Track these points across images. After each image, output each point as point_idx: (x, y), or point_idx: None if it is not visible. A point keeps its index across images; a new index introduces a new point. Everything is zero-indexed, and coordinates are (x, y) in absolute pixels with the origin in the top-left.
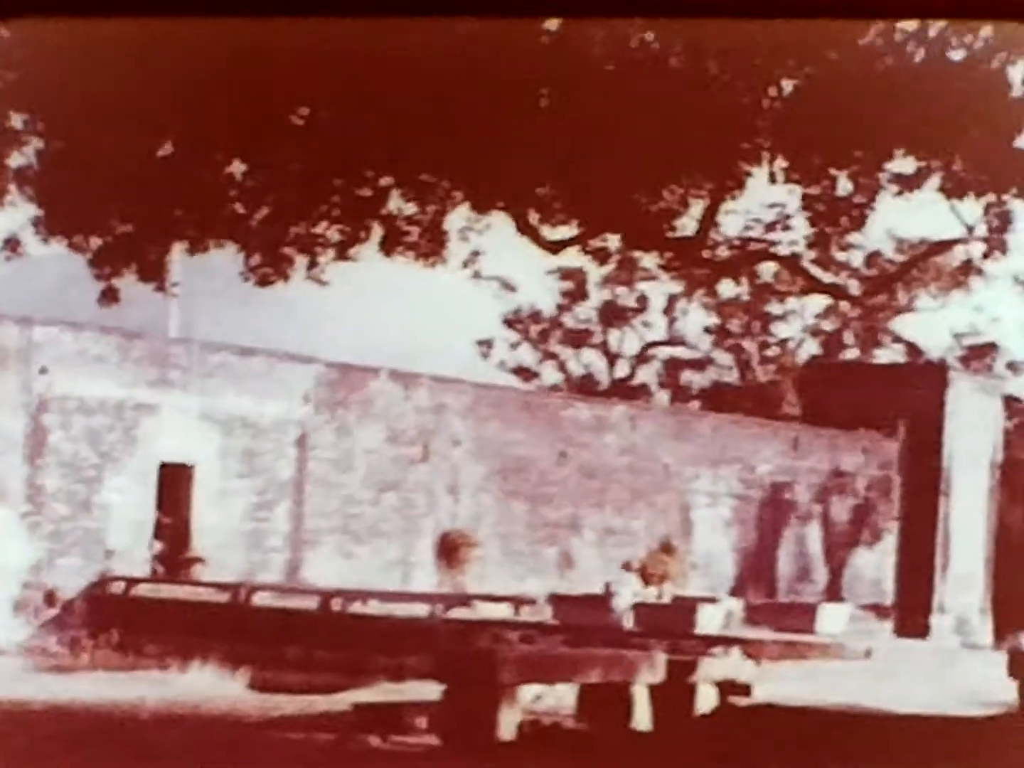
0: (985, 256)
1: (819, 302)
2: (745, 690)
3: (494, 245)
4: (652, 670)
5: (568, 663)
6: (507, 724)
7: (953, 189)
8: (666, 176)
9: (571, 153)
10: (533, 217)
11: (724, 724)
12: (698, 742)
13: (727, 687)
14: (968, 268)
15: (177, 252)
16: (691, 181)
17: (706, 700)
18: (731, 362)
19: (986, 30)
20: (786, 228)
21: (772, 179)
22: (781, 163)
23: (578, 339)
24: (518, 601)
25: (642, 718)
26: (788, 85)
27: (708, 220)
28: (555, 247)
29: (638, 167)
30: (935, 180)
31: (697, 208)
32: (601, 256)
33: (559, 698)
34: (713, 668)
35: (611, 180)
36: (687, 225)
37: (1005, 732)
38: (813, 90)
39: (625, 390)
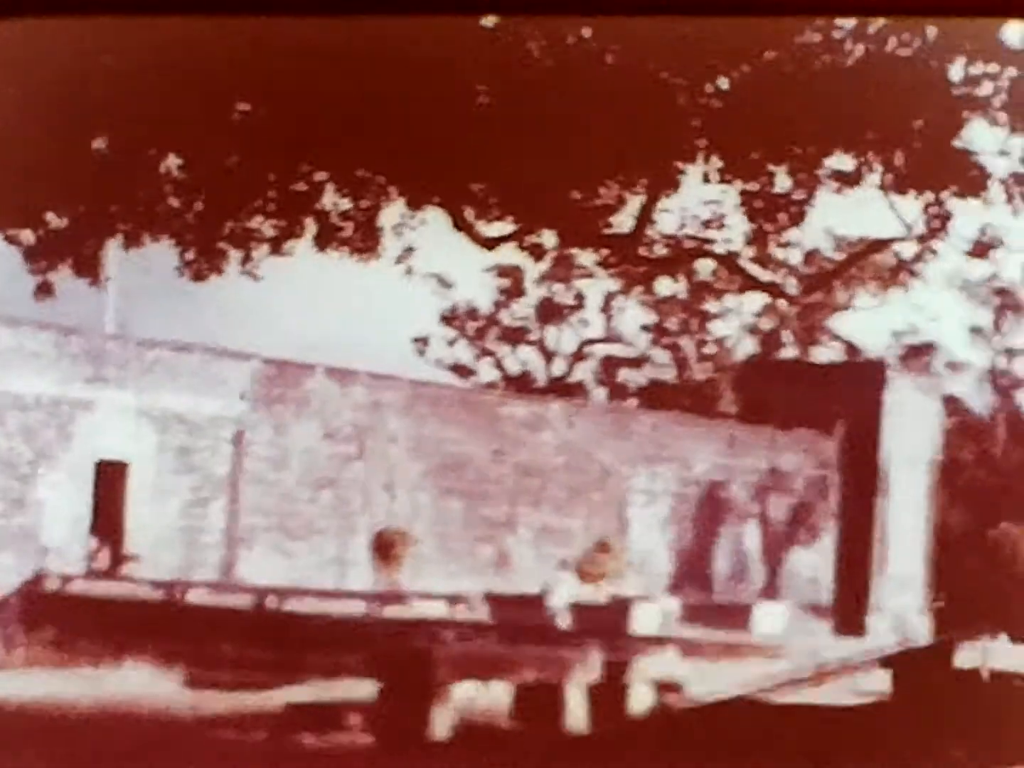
0: (924, 254)
1: (757, 300)
2: (680, 689)
3: (429, 241)
4: (587, 669)
5: (503, 662)
6: (441, 723)
7: (892, 187)
8: (602, 173)
9: (507, 150)
10: (469, 213)
11: (659, 724)
12: (632, 742)
13: (662, 687)
14: (907, 266)
15: (112, 247)
16: (627, 178)
17: (641, 700)
18: (668, 360)
19: (928, 29)
20: (722, 226)
21: (706, 179)
22: (717, 162)
23: (515, 336)
24: (454, 600)
25: (576, 718)
26: (724, 83)
27: (644, 217)
28: (491, 243)
29: (574, 164)
30: (874, 177)
31: (634, 205)
32: (537, 253)
33: (494, 698)
34: (648, 668)
35: (547, 177)
36: (624, 222)
37: (878, 719)
38: (750, 88)
39: (562, 388)
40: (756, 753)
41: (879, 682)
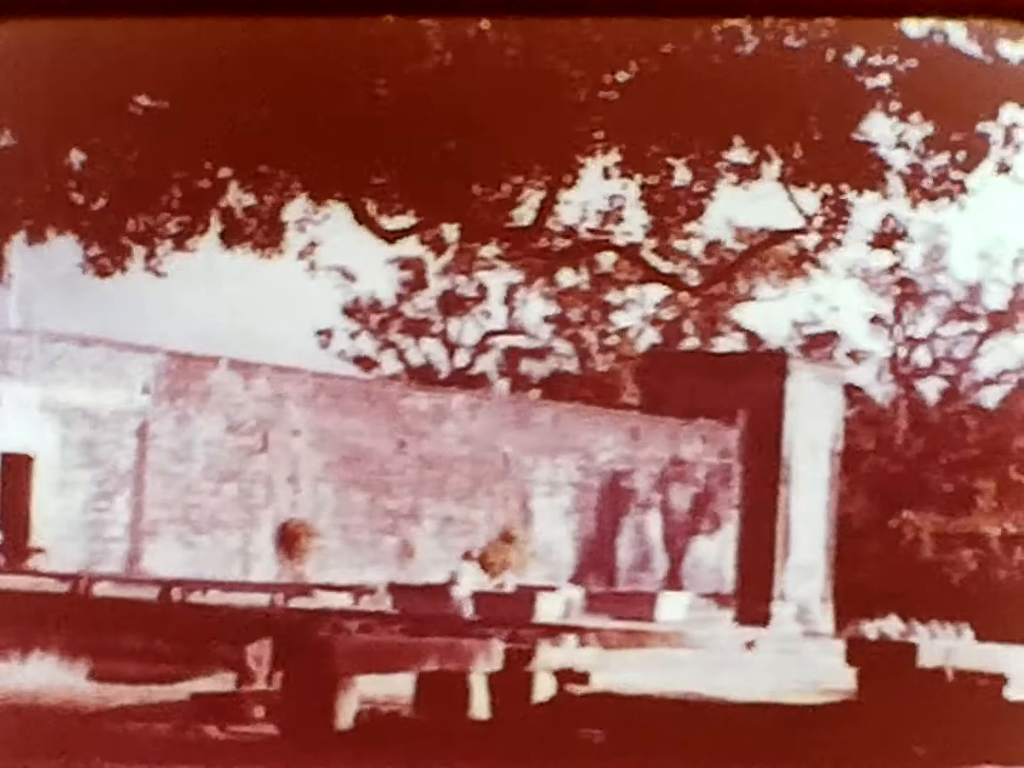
0: (823, 246)
1: (659, 291)
2: (583, 678)
3: (332, 235)
4: (490, 659)
5: (406, 652)
6: (345, 713)
7: (792, 179)
8: (503, 167)
9: (408, 143)
10: (371, 207)
11: (561, 712)
12: (535, 730)
13: (565, 675)
14: (807, 258)
15: (16, 242)
16: (528, 172)
17: (544, 689)
18: (571, 351)
19: (826, 20)
20: (620, 220)
21: (606, 172)
22: (616, 156)
23: (418, 328)
24: (358, 591)
25: (480, 707)
26: (623, 76)
27: (545, 210)
28: (393, 237)
29: (475, 158)
30: (774, 170)
31: (535, 198)
32: (438, 246)
33: (397, 687)
34: (551, 657)
35: (448, 170)
36: (525, 215)
37: (841, 719)
38: (649, 81)
39: (465, 379)
40: (714, 751)
41: (844, 681)
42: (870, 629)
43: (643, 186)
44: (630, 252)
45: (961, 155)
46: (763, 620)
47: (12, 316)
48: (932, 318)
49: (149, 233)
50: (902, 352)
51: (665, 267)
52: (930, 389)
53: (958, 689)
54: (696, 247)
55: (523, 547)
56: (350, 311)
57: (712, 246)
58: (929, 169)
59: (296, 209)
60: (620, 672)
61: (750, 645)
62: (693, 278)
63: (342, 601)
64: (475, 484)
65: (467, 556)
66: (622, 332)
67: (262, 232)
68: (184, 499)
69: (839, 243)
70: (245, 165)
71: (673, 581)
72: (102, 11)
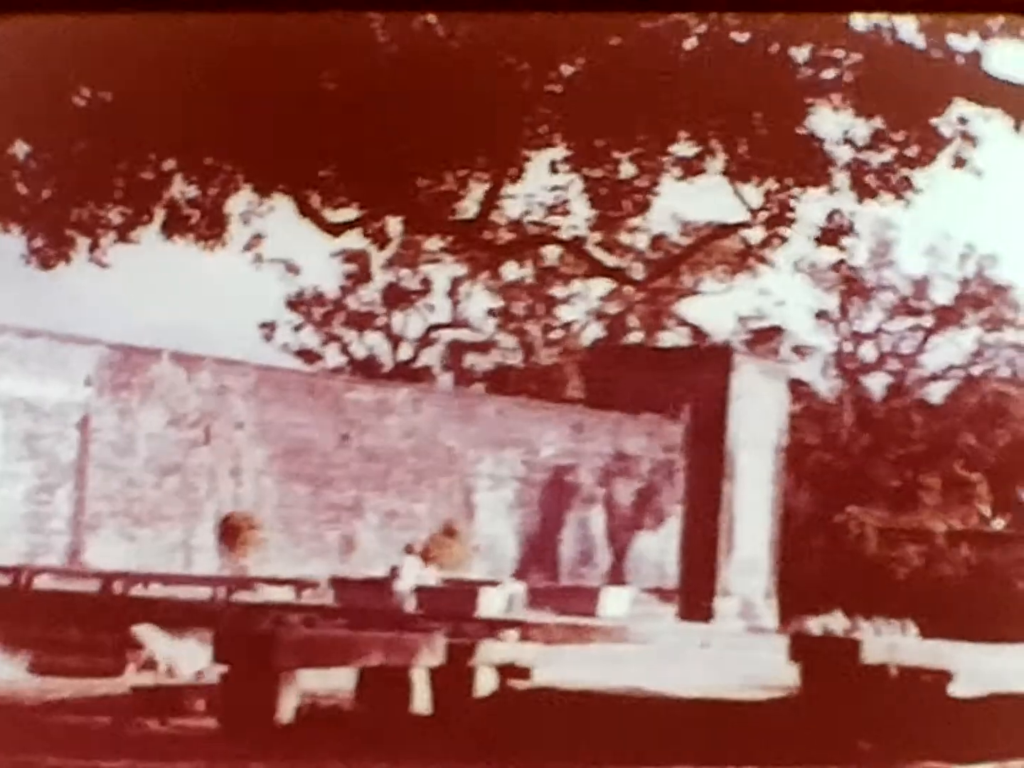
0: (768, 241)
1: (603, 285)
2: (525, 673)
3: (276, 228)
4: (432, 653)
5: (348, 646)
6: (286, 707)
7: (737, 173)
8: (447, 160)
9: (353, 136)
10: (315, 200)
11: (503, 707)
12: (477, 725)
13: (507, 670)
14: (751, 252)
15: None
16: (473, 165)
17: (486, 683)
18: (515, 345)
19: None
20: (566, 213)
21: (552, 165)
22: (562, 149)
23: (361, 321)
24: (300, 584)
25: (421, 701)
26: (569, 70)
27: (490, 203)
28: (336, 230)
29: (419, 150)
30: (719, 164)
31: (479, 191)
32: (382, 239)
33: (339, 681)
34: (493, 651)
35: (393, 163)
36: (469, 208)
37: (784, 715)
38: (595, 75)
39: (408, 372)
40: (657, 747)
41: (787, 677)
42: (814, 625)
43: (588, 179)
44: (575, 246)
45: (908, 150)
46: (707, 616)
47: None
48: (878, 313)
49: (93, 224)
50: (848, 347)
51: (610, 261)
52: (876, 384)
53: (902, 685)
54: (641, 241)
55: (466, 541)
56: (294, 304)
57: (657, 240)
58: (875, 164)
59: (240, 201)
60: (562, 667)
61: (702, 645)
62: (638, 272)
63: (284, 594)
64: (418, 478)
65: (409, 550)
66: (566, 326)
67: (206, 224)
68: (126, 492)
69: (784, 238)
70: (189, 157)
71: (616, 576)
72: (46, 6)
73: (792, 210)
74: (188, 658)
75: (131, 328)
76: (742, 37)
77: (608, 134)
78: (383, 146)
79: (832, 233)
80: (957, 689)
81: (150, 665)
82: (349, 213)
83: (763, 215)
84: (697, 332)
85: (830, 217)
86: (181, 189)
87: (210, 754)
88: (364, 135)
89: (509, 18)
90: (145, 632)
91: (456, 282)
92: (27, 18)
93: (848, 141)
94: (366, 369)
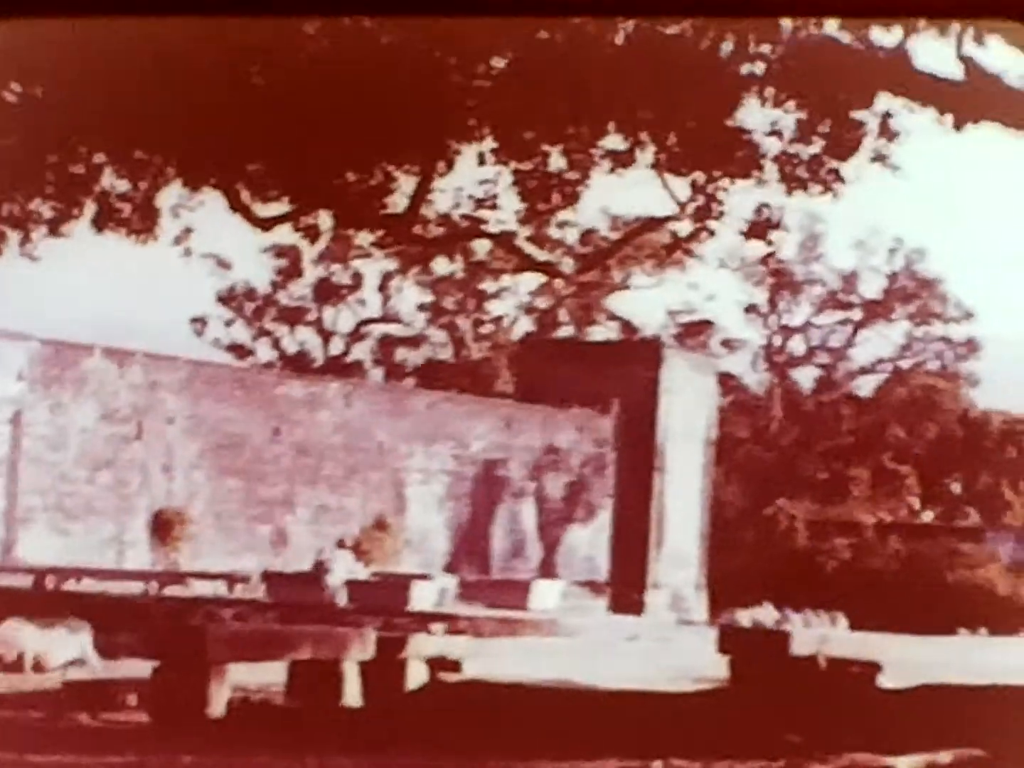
0: (697, 234)
1: (533, 279)
2: (456, 667)
3: (207, 222)
4: (362, 647)
5: (279, 640)
6: (217, 701)
7: (666, 166)
8: (377, 154)
9: (283, 130)
10: (245, 194)
11: (434, 700)
12: (407, 718)
13: (438, 664)
14: (681, 246)
15: None
16: (402, 159)
17: (416, 677)
18: (445, 339)
19: None
20: (495, 207)
21: (481, 158)
22: (491, 142)
23: (292, 316)
24: (232, 579)
25: (352, 695)
26: (499, 62)
27: (419, 198)
28: (266, 224)
29: (349, 145)
30: (648, 157)
31: (409, 185)
32: (312, 234)
33: (270, 675)
34: (424, 645)
35: (322, 157)
36: (399, 202)
37: (714, 707)
38: (524, 68)
39: (339, 367)
40: (587, 740)
41: (716, 669)
42: (744, 617)
43: (517, 173)
44: (505, 240)
45: (836, 143)
46: (637, 608)
47: None
48: (807, 307)
49: (24, 218)
50: (777, 341)
51: (540, 255)
52: (805, 378)
53: (831, 677)
54: (571, 235)
55: (397, 535)
56: (225, 299)
57: (587, 234)
58: (804, 157)
59: (170, 195)
60: (493, 660)
61: (632, 637)
62: (568, 266)
63: (216, 589)
64: (349, 472)
65: (341, 544)
66: (497, 320)
67: (137, 218)
68: (58, 487)
69: (712, 232)
70: (120, 150)
71: (547, 569)
72: None
73: (720, 203)
74: (58, 649)
75: (63, 323)
76: (671, 31)
77: (537, 127)
78: (313, 140)
79: (760, 227)
80: (886, 681)
81: (16, 666)
82: (279, 207)
83: (691, 208)
84: (627, 326)
85: (758, 211)
86: (111, 182)
87: (141, 748)
88: (294, 129)
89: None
90: (10, 628)
91: (387, 277)
92: None
93: (776, 133)
94: (297, 364)
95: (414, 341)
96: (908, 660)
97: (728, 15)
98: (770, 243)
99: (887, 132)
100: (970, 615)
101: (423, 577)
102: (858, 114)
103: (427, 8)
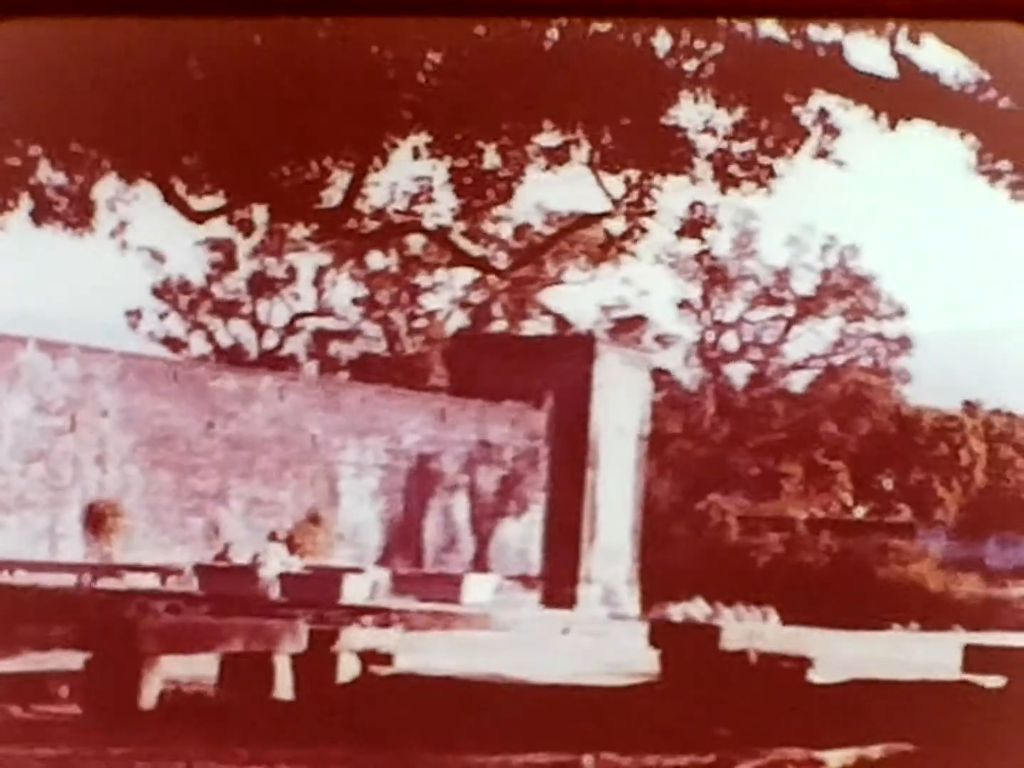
0: (630, 230)
1: (467, 274)
2: (387, 660)
3: (142, 215)
4: (294, 640)
5: (211, 633)
6: (149, 693)
7: (600, 163)
8: (312, 148)
9: (218, 124)
10: (180, 188)
11: (365, 693)
12: (339, 711)
13: (370, 657)
14: (614, 242)
15: None
16: (337, 153)
17: (348, 670)
18: (379, 333)
19: None
20: (431, 200)
21: (416, 153)
22: (426, 137)
23: (227, 310)
24: (165, 571)
25: (284, 687)
26: (436, 57)
27: (354, 192)
28: (201, 218)
29: (285, 138)
30: (583, 154)
31: (343, 180)
32: (247, 227)
33: (202, 667)
34: (356, 638)
35: (257, 151)
36: (333, 196)
37: (645, 701)
38: (460, 64)
39: (273, 361)
40: (518, 734)
41: (647, 663)
42: (676, 612)
43: (452, 168)
44: (439, 235)
45: (770, 140)
46: (569, 603)
47: None
48: (740, 303)
49: None
50: (710, 336)
51: (474, 250)
52: (738, 373)
53: (761, 672)
54: (505, 230)
55: (330, 529)
56: (159, 292)
57: (521, 229)
58: (737, 154)
59: (106, 188)
60: (425, 654)
61: (564, 631)
62: (502, 261)
63: (149, 581)
64: (283, 465)
65: (274, 537)
66: (431, 315)
67: (72, 211)
68: None
69: (645, 229)
70: (56, 143)
71: (480, 563)
72: None
73: (654, 200)
74: None
75: None
76: (604, 27)
77: (472, 123)
78: (248, 135)
79: (694, 225)
80: (816, 675)
81: None
82: (214, 201)
83: (625, 205)
84: (560, 321)
85: (692, 208)
86: (47, 175)
87: (73, 740)
88: (229, 123)
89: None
90: None
91: (321, 271)
92: None
93: (710, 131)
94: (231, 357)
95: (348, 335)
96: (839, 655)
97: (665, 16)
98: (703, 241)
99: (822, 129)
100: (901, 611)
101: (356, 570)
102: (793, 111)
103: (364, 9)
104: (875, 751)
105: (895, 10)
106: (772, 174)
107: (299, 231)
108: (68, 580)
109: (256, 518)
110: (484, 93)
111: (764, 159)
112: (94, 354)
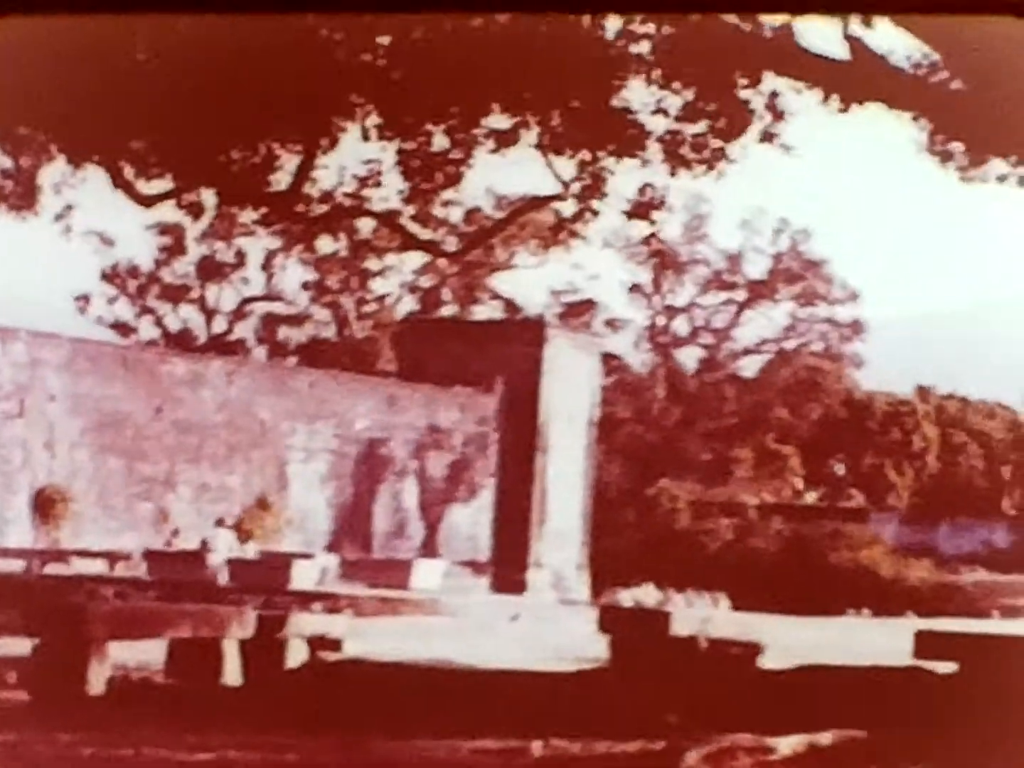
0: (580, 213)
1: (417, 258)
2: (336, 645)
3: (90, 199)
4: (242, 625)
5: (159, 618)
6: (97, 679)
7: (549, 146)
8: (260, 131)
9: (166, 107)
10: (128, 171)
11: (313, 679)
12: (287, 696)
13: (318, 642)
14: (564, 226)
15: None
16: (285, 136)
17: (297, 655)
18: (329, 318)
19: None
20: (378, 184)
21: (365, 136)
22: (375, 119)
23: (176, 294)
24: (113, 557)
25: (232, 673)
26: (384, 41)
27: (303, 175)
28: (149, 202)
29: (233, 122)
30: (532, 136)
31: (292, 163)
32: (195, 211)
33: (150, 653)
34: (304, 623)
35: (206, 134)
36: (282, 180)
37: (594, 687)
38: (409, 46)
39: (222, 345)
40: (467, 719)
41: (597, 649)
42: (626, 597)
43: (401, 152)
44: (388, 219)
45: (721, 122)
46: (519, 588)
47: None
48: (691, 287)
49: None
50: (660, 321)
51: (424, 234)
52: (688, 358)
53: (712, 658)
54: (455, 214)
55: (279, 514)
56: (108, 276)
57: (471, 213)
58: (688, 136)
59: (53, 172)
60: (374, 639)
61: (514, 617)
62: (452, 245)
63: (98, 567)
64: (231, 450)
65: (222, 523)
66: (380, 299)
67: (18, 194)
68: None
69: (595, 212)
70: (2, 126)
71: (429, 549)
72: None
73: (604, 182)
74: None
75: None
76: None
77: (421, 106)
78: (196, 118)
79: (643, 207)
80: (767, 661)
81: None
82: (162, 185)
83: (575, 188)
84: (510, 305)
85: (642, 191)
86: None
87: (21, 726)
88: (177, 107)
89: None
90: None
91: (270, 255)
92: None
93: (661, 112)
94: (180, 342)
95: (297, 319)
96: (790, 641)
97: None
98: (653, 223)
99: (773, 112)
100: (853, 596)
101: (305, 556)
102: (743, 94)
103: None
104: (826, 737)
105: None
106: (723, 157)
107: (248, 215)
108: (16, 566)
109: (205, 503)
110: (433, 75)
111: (715, 142)
112: (42, 339)
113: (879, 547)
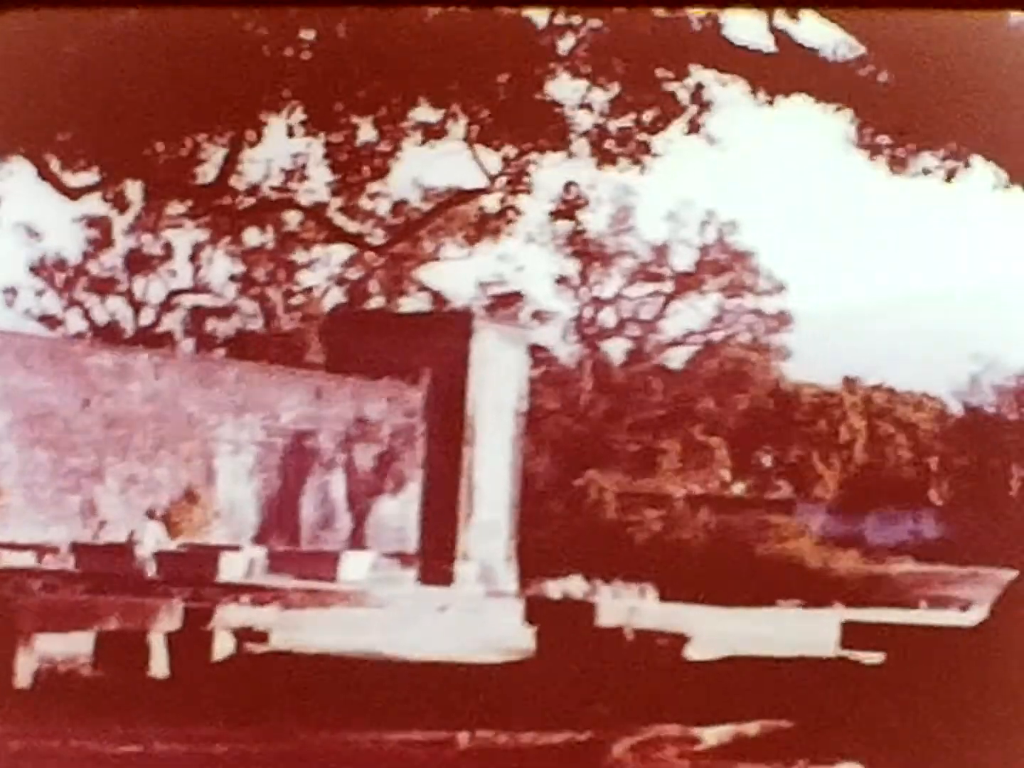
0: (508, 206)
1: (344, 251)
2: (263, 637)
3: (16, 191)
4: (169, 618)
5: (87, 611)
6: (24, 672)
7: (477, 139)
8: (186, 124)
9: (92, 100)
10: (54, 163)
11: (240, 671)
12: (214, 689)
13: (245, 635)
14: (491, 218)
15: None
16: (211, 129)
17: (223, 648)
18: (256, 310)
19: None
20: (305, 178)
21: (290, 132)
22: (300, 114)
23: (103, 287)
24: (41, 549)
25: (159, 665)
26: (310, 34)
27: (229, 168)
28: (76, 194)
29: (158, 115)
30: (460, 129)
31: (218, 156)
32: (121, 204)
33: (77, 646)
34: (231, 616)
35: (132, 127)
36: (208, 173)
37: (521, 678)
38: (335, 39)
39: (150, 338)
40: (394, 711)
41: (524, 640)
42: (553, 589)
43: (328, 144)
44: (315, 211)
45: (647, 116)
46: (447, 580)
47: None
48: (618, 279)
49: None
50: (588, 313)
51: (351, 226)
52: (615, 350)
53: (638, 648)
54: (382, 207)
55: (207, 506)
56: (36, 269)
57: (398, 206)
58: (614, 130)
59: None
60: (301, 631)
61: (441, 608)
62: (379, 238)
63: (25, 560)
64: (159, 443)
65: (150, 515)
66: (308, 291)
67: None
68: None
69: (519, 211)
70: None
71: (356, 540)
72: None
73: (529, 176)
74: None
75: None
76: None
77: (347, 99)
78: (122, 110)
79: (568, 206)
80: (693, 652)
81: None
82: (89, 177)
83: (502, 181)
84: (437, 298)
85: (566, 189)
86: None
87: None
88: (103, 99)
89: None
90: None
91: (198, 247)
92: None
93: (587, 106)
94: (108, 334)
95: (225, 312)
96: (716, 632)
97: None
98: (578, 223)
99: (700, 104)
100: (780, 587)
101: (232, 548)
102: (669, 86)
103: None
104: (752, 728)
105: None
106: (648, 151)
107: (175, 208)
108: None
109: (133, 496)
110: (359, 69)
111: (641, 136)
112: None
113: (806, 538)
